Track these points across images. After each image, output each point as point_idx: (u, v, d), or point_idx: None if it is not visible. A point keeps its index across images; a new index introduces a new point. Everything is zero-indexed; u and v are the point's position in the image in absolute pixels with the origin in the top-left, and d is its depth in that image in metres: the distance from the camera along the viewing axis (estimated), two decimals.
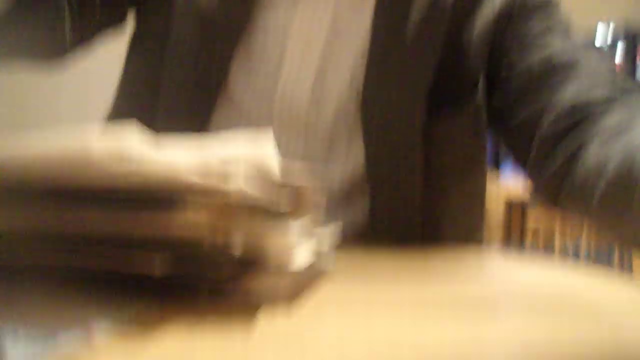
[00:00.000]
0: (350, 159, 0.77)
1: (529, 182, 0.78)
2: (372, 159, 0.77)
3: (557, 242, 3.17)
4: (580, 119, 0.68)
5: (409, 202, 0.79)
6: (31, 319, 0.30)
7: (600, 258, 3.09)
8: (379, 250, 0.67)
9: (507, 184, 2.96)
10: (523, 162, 0.77)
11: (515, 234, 3.03)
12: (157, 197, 0.31)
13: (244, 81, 0.79)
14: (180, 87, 0.81)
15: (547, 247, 3.22)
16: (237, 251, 0.32)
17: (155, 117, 0.79)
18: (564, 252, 3.20)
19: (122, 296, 0.35)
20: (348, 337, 0.31)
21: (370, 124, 0.77)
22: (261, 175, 0.37)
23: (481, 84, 0.80)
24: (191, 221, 0.31)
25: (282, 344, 0.29)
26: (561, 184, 0.68)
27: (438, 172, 0.80)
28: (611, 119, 0.64)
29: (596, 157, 0.62)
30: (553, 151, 0.70)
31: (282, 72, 0.79)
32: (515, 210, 3.00)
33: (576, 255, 3.23)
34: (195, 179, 0.31)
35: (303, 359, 0.27)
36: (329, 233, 0.50)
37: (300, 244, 0.43)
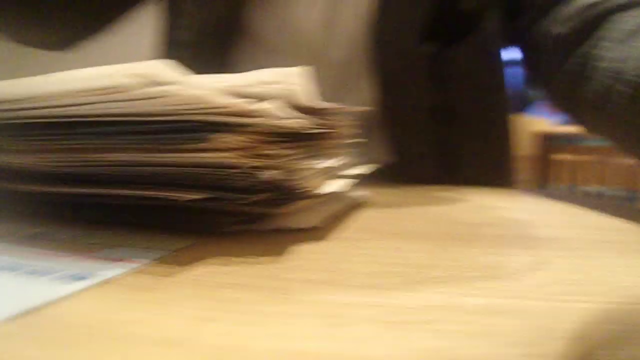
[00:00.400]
0: (361, 95, 0.78)
1: (544, 93, 0.77)
2: (381, 97, 0.77)
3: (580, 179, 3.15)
4: (593, 18, 0.65)
5: (422, 138, 0.79)
6: (66, 257, 0.30)
7: (624, 200, 3.06)
8: (399, 186, 0.67)
9: (534, 118, 2.93)
10: (538, 72, 0.77)
11: (540, 168, 3.01)
12: (187, 121, 0.31)
13: (260, 12, 0.82)
14: (201, 22, 0.83)
15: (572, 183, 3.19)
16: (268, 177, 0.32)
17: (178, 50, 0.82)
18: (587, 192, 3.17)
19: (156, 232, 0.36)
20: (381, 261, 0.31)
21: (377, 60, 0.77)
22: (291, 98, 0.36)
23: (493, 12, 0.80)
24: (221, 146, 0.31)
25: (314, 269, 0.29)
26: (574, 87, 0.66)
27: (454, 107, 0.80)
28: (629, 22, 0.61)
29: (613, 56, 0.59)
30: (566, 51, 0.67)
31: (294, 2, 0.81)
32: (541, 143, 2.97)
33: (600, 195, 3.20)
34: (225, 101, 0.31)
35: (336, 281, 0.27)
36: (358, 166, 0.50)
37: (331, 172, 0.43)
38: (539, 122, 3.00)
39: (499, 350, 0.19)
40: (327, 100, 0.40)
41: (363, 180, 0.50)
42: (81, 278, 0.26)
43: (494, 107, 0.85)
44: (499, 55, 0.82)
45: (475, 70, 0.80)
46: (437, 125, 0.79)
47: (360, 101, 0.76)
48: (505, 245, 0.35)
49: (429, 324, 0.22)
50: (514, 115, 0.88)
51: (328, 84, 0.75)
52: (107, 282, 0.26)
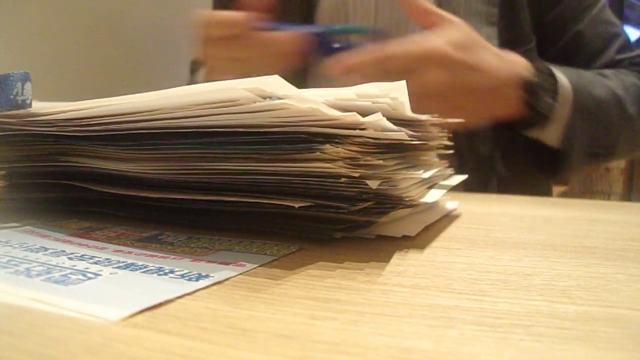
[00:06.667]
0: None
1: None
2: None
3: None
4: None
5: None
6: (180, 259, 0.32)
7: None
8: (482, 195, 0.67)
9: None
10: None
11: (627, 179, 2.91)
12: (299, 133, 0.33)
13: None
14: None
15: None
16: (373, 185, 0.34)
17: None
18: None
19: (263, 238, 0.37)
20: (481, 269, 0.32)
21: None
22: (394, 111, 0.38)
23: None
24: (329, 156, 0.33)
25: (419, 274, 0.30)
26: None
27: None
28: None
29: None
30: None
31: None
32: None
33: None
34: (336, 114, 0.32)
35: (441, 287, 0.28)
36: (453, 177, 0.51)
37: (430, 183, 0.44)
38: None
39: (597, 354, 0.20)
40: None
41: (452, 190, 0.50)
42: (202, 277, 0.28)
43: None
44: None
45: None
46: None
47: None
48: (604, 257, 0.35)
49: (529, 328, 0.23)
50: None
51: None
52: (223, 282, 0.28)
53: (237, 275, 0.29)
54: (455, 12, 0.87)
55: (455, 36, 0.73)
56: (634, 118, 0.87)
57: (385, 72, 0.69)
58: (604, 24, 0.95)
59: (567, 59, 0.93)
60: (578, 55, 0.94)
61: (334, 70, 0.70)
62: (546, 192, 1.00)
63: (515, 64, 0.79)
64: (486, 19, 0.89)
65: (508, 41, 0.89)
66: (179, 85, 0.37)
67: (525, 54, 0.90)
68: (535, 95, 0.78)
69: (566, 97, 0.80)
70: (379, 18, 0.92)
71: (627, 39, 0.97)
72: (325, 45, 0.77)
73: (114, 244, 0.35)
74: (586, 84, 0.84)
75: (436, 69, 0.70)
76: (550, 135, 0.83)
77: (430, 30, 0.73)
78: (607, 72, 0.89)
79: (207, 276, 0.28)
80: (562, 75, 0.81)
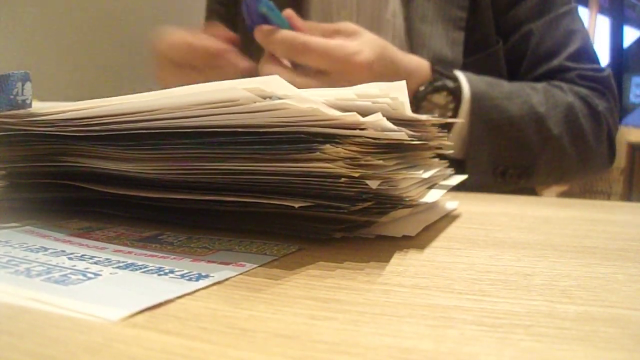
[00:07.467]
0: None
1: None
2: None
3: None
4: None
5: None
6: (180, 259, 0.32)
7: None
8: (482, 195, 0.67)
9: (630, 127, 2.83)
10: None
11: (637, 178, 2.90)
12: (299, 133, 0.33)
13: None
14: None
15: None
16: (373, 185, 0.34)
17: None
18: None
19: (262, 238, 0.37)
20: (481, 269, 0.32)
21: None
22: (393, 111, 0.38)
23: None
24: (329, 156, 0.33)
25: (419, 274, 0.30)
26: None
27: None
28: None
29: None
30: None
31: None
32: (629, 153, 2.86)
33: None
34: (336, 114, 0.32)
35: (441, 287, 0.28)
36: (453, 177, 0.51)
37: (430, 182, 0.44)
38: (632, 131, 2.90)
39: (597, 354, 0.20)
40: None
41: (451, 189, 0.50)
42: (202, 277, 0.28)
43: None
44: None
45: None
46: None
47: None
48: (604, 257, 0.35)
49: (529, 328, 0.23)
50: None
51: None
52: (223, 282, 0.28)
53: (237, 275, 0.29)
54: (423, 17, 0.88)
55: (378, 48, 0.73)
56: (558, 138, 0.83)
57: (300, 63, 0.72)
58: (561, 29, 0.92)
59: (515, 59, 0.92)
60: (525, 55, 0.92)
61: (258, 36, 0.71)
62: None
63: (413, 73, 0.79)
64: (454, 23, 0.88)
65: (474, 44, 0.89)
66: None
67: (489, 56, 0.89)
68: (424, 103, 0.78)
69: (463, 108, 0.79)
70: (361, 16, 0.93)
71: (587, 51, 0.93)
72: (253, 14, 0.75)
73: (114, 244, 0.35)
74: (499, 97, 0.81)
75: (354, 79, 0.70)
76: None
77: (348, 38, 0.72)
78: (539, 86, 0.86)
79: (207, 276, 0.28)
80: (466, 85, 0.80)
